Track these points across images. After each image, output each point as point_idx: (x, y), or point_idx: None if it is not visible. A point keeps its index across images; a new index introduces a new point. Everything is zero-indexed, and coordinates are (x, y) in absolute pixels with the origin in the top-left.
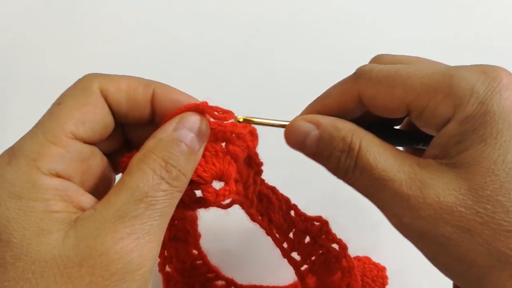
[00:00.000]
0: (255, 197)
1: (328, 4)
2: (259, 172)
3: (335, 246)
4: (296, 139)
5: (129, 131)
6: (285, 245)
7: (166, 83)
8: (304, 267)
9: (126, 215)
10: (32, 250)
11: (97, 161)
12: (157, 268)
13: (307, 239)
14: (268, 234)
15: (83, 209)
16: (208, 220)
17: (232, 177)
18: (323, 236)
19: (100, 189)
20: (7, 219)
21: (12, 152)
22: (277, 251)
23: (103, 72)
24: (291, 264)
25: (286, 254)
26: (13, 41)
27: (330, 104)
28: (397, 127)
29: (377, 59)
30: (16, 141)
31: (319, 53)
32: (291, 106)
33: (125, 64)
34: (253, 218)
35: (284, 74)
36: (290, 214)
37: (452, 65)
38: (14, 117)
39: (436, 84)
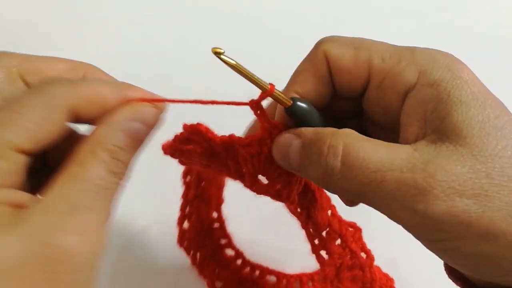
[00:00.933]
0: (295, 196)
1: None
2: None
3: (363, 255)
4: (280, 152)
5: None
6: (316, 241)
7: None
8: (330, 268)
9: (78, 207)
10: None
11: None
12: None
13: (338, 241)
14: (303, 227)
15: (21, 206)
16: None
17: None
18: (354, 243)
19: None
20: None
21: None
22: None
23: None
24: (318, 262)
25: (315, 250)
26: (13, 40)
27: (305, 80)
28: None
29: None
30: None
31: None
32: None
33: (125, 64)
34: (291, 211)
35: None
36: (327, 213)
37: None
38: None
39: (400, 52)
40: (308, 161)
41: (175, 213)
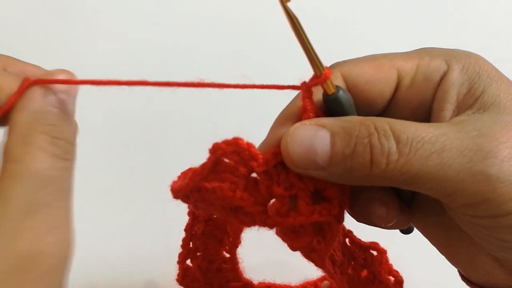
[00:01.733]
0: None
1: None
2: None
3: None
4: (301, 146)
5: None
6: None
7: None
8: None
9: (35, 207)
10: None
11: None
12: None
13: (365, 272)
14: (331, 277)
15: None
16: None
17: None
18: (381, 270)
19: None
20: None
21: None
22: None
23: (103, 70)
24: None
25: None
26: (13, 39)
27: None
28: None
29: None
30: None
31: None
32: None
33: (125, 63)
34: (323, 268)
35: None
36: (346, 244)
37: None
38: None
39: (415, 52)
40: (349, 150)
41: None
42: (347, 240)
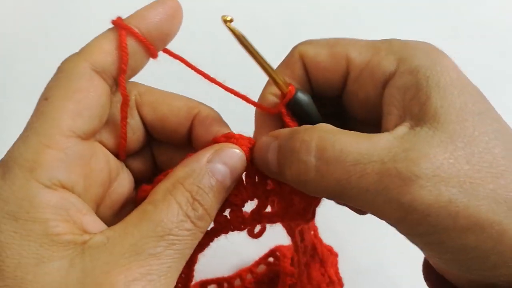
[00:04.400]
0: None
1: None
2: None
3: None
4: (260, 156)
5: (159, 151)
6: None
7: (210, 106)
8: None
9: (143, 251)
10: (28, 283)
11: (101, 163)
12: None
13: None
14: (295, 250)
15: (86, 232)
16: None
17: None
18: (332, 269)
19: (102, 197)
20: (1, 244)
21: (5, 163)
22: None
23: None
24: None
25: (301, 273)
26: (13, 38)
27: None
28: None
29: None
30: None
31: None
32: None
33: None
34: (289, 232)
35: None
36: (311, 235)
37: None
38: (14, 115)
39: (377, 44)
40: (283, 161)
41: None
42: (312, 233)
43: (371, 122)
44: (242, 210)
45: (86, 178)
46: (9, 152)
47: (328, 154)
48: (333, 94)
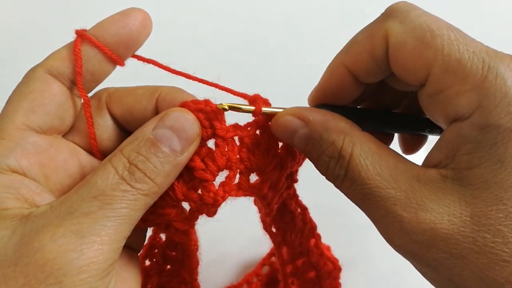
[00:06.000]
0: (274, 208)
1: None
2: (290, 185)
3: None
4: (283, 134)
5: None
6: (289, 269)
7: (171, 86)
8: None
9: (75, 211)
10: None
11: (63, 153)
12: None
13: (312, 274)
14: (276, 250)
15: (33, 206)
16: None
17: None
18: (328, 281)
19: (63, 188)
20: None
21: None
22: None
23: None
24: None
25: (284, 277)
26: (13, 38)
27: (358, 55)
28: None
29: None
30: None
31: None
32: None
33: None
34: (265, 227)
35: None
36: (309, 242)
37: (494, 49)
38: None
39: (470, 69)
40: (315, 155)
41: None
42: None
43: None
44: (213, 184)
45: (43, 166)
46: None
47: (354, 175)
48: (406, 87)
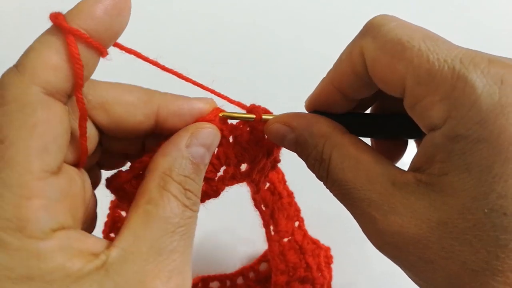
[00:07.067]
0: (262, 186)
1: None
2: (274, 166)
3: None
4: (275, 140)
5: (110, 144)
6: (276, 246)
7: (166, 94)
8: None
9: (163, 251)
10: None
11: (76, 184)
12: None
13: (298, 251)
14: (264, 226)
15: (96, 254)
16: None
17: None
18: (312, 258)
19: (86, 212)
20: None
21: None
22: None
23: (104, 72)
24: (272, 266)
25: (273, 253)
26: (13, 38)
27: (342, 74)
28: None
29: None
30: None
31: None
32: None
33: (128, 63)
34: (255, 204)
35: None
36: (293, 223)
37: (475, 53)
38: None
39: (440, 79)
40: (304, 158)
41: None
42: (297, 223)
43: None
44: (215, 179)
45: (71, 209)
46: None
47: (333, 177)
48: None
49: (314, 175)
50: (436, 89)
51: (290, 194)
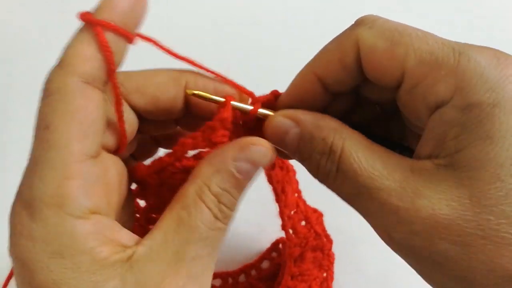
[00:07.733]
0: (276, 161)
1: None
2: None
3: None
4: (275, 136)
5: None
6: (286, 218)
7: (191, 71)
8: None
9: (186, 257)
10: None
11: (112, 172)
12: None
13: (303, 223)
14: (277, 201)
15: (125, 246)
16: None
17: None
18: (318, 225)
19: (120, 203)
20: (55, 282)
21: (28, 204)
22: None
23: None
24: (286, 239)
25: (285, 227)
26: (14, 37)
27: (328, 62)
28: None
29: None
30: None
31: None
32: None
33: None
34: (270, 180)
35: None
36: (295, 196)
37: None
38: (15, 114)
39: (443, 56)
40: (307, 155)
41: None
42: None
43: (418, 127)
44: None
45: (106, 194)
46: (26, 190)
47: (347, 168)
48: (382, 93)
49: (314, 179)
50: (440, 65)
51: (293, 168)
